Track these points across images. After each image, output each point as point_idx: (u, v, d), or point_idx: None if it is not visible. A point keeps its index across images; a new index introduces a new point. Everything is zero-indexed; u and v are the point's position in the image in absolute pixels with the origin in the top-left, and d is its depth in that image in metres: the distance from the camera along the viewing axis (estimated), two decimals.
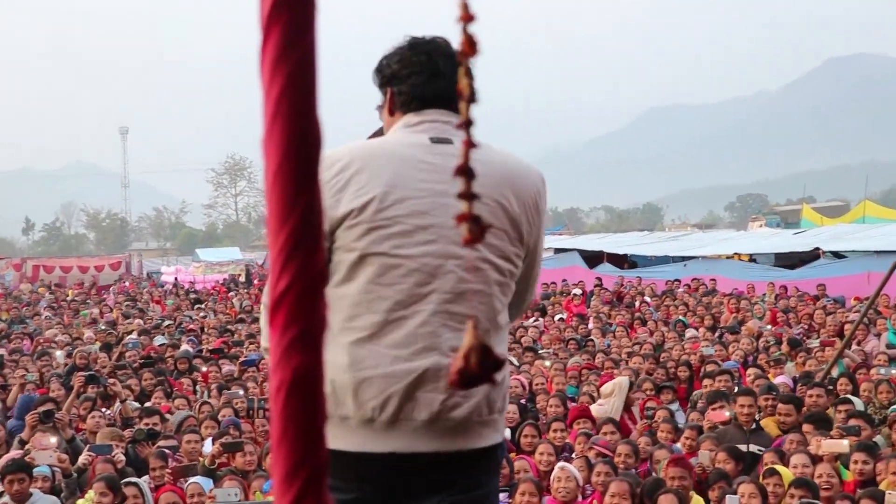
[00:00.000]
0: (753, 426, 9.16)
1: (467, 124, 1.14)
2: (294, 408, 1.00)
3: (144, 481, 7.71)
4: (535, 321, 19.69)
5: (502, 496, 7.14)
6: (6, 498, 7.55)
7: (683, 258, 30.35)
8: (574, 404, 10.65)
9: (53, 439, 8.63)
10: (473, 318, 1.18)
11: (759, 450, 8.73)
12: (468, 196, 1.14)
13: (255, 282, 38.05)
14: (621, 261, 32.73)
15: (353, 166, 2.69)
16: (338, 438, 2.63)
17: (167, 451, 8.39)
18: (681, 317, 18.83)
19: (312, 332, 1.00)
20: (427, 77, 2.86)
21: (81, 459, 8.41)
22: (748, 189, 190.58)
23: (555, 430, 9.38)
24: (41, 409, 9.46)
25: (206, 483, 7.48)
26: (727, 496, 6.93)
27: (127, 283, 41.00)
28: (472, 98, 1.14)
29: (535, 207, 2.87)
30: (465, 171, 1.14)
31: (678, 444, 8.92)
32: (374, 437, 2.63)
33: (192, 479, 7.52)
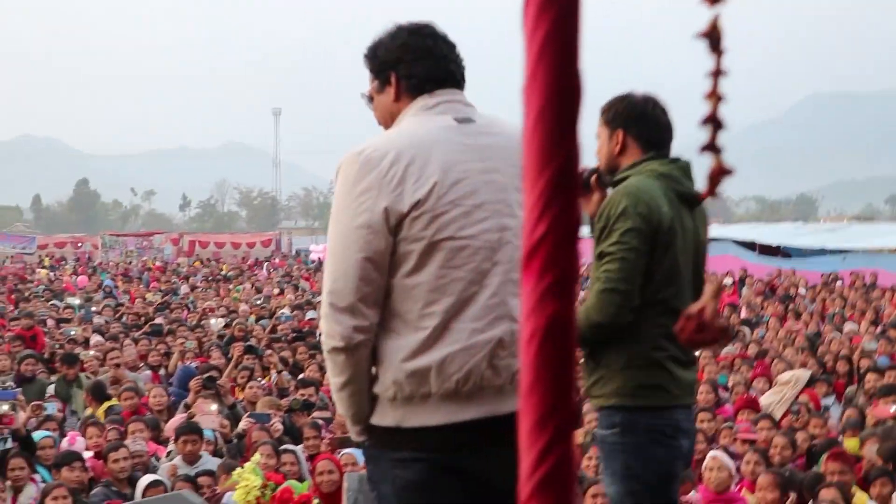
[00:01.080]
0: None
1: (717, 73, 1.12)
2: (547, 356, 1.00)
3: (300, 450, 7.92)
4: None
5: None
6: (178, 458, 7.91)
7: (842, 251, 29.27)
8: (725, 393, 10.50)
9: (215, 406, 8.95)
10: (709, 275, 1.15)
11: None
12: (713, 148, 1.11)
13: None
14: (774, 251, 31.83)
15: (403, 158, 2.76)
16: (421, 415, 2.79)
17: (321, 421, 8.58)
18: (839, 309, 18.21)
19: (567, 280, 0.99)
20: (435, 59, 2.97)
21: (242, 425, 8.70)
22: None
23: (701, 421, 9.23)
24: (204, 376, 9.81)
25: (359, 454, 7.63)
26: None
27: (277, 260, 42.12)
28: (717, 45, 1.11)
29: None
30: (714, 121, 1.12)
31: (841, 438, 8.65)
32: (456, 408, 2.77)
33: (346, 450, 7.68)
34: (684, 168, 3.80)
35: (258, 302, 21.98)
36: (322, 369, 12.08)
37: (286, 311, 18.11)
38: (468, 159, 2.83)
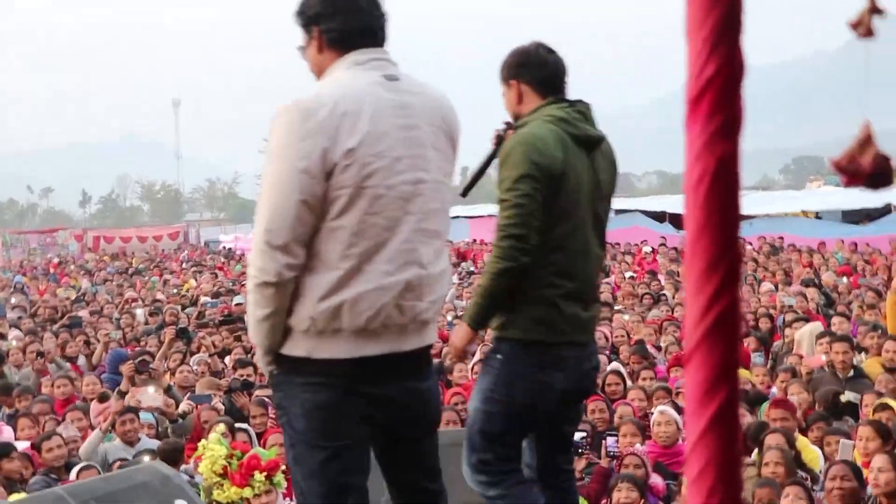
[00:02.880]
0: (851, 373, 9.03)
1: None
2: (716, 198, 1.00)
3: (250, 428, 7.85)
4: (605, 279, 19.70)
5: (611, 440, 7.18)
6: (116, 440, 7.77)
7: (748, 216, 29.92)
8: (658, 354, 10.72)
9: (152, 388, 8.81)
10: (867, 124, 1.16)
11: (856, 397, 8.59)
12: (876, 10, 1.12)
13: None
14: (682, 221, 32.42)
15: (339, 108, 2.95)
16: (330, 348, 3.02)
17: (266, 399, 8.50)
18: (751, 272, 18.67)
19: (735, 122, 1.00)
20: (353, 13, 3.13)
21: (182, 407, 8.59)
22: (803, 151, 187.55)
23: (643, 378, 9.41)
24: (137, 359, 9.63)
25: None
26: (841, 441, 6.81)
27: (186, 252, 41.52)
28: None
29: (458, 128, 3.29)
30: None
31: (773, 388, 8.88)
32: (362, 343, 3.02)
33: None
34: (582, 111, 3.89)
35: (174, 292, 21.71)
36: (247, 351, 12.00)
37: (208, 298, 17.88)
38: (394, 114, 3.03)
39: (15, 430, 8.94)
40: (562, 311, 3.74)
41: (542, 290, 3.71)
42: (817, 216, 29.97)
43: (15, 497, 5.16)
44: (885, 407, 7.24)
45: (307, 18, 3.18)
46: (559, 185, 3.65)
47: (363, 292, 2.96)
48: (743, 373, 8.79)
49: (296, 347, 3.05)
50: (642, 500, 6.33)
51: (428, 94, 3.20)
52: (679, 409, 7.72)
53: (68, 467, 7.43)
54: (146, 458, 6.53)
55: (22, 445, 8.42)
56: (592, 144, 3.85)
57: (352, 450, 3.13)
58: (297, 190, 2.91)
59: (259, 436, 7.71)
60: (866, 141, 1.12)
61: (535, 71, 3.90)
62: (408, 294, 3.03)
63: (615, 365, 10.07)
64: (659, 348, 11.43)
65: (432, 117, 3.15)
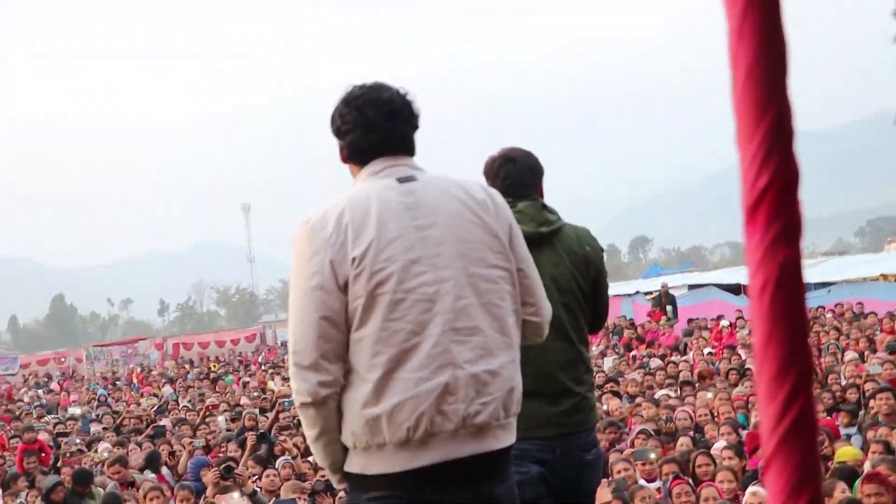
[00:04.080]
0: None
1: None
2: (781, 304, 1.01)
3: None
4: (682, 357, 19.45)
5: None
6: None
7: (825, 284, 29.42)
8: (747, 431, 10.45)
9: (236, 494, 8.84)
10: None
11: None
12: None
13: None
14: None
15: (344, 219, 2.94)
16: (379, 463, 2.94)
17: None
18: (833, 340, 18.25)
19: (793, 228, 1.01)
20: (361, 132, 3.12)
21: None
22: (878, 212, 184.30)
23: (730, 458, 9.19)
24: (222, 466, 9.69)
25: None
26: None
27: (265, 353, 41.88)
28: None
29: (501, 212, 3.18)
30: None
31: (867, 463, 8.60)
32: (411, 455, 2.90)
33: None
34: (521, 210, 3.99)
35: (255, 394, 21.83)
36: None
37: (285, 399, 17.94)
38: (406, 216, 2.97)
39: None
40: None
41: None
42: None
43: None
44: None
45: (334, 131, 3.22)
46: None
47: (398, 403, 2.87)
48: (848, 451, 8.54)
49: (352, 464, 3.01)
50: None
51: (450, 189, 3.11)
52: None
53: None
54: None
55: None
56: (528, 242, 3.73)
57: None
58: (314, 308, 2.90)
59: None
60: None
61: (492, 181, 4.16)
62: (449, 398, 2.89)
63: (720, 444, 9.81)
64: (744, 426, 11.15)
65: (457, 210, 3.06)
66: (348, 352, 2.93)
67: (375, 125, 3.11)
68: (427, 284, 2.93)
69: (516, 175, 4.20)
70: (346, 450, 3.01)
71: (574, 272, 4.09)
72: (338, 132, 3.19)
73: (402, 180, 3.06)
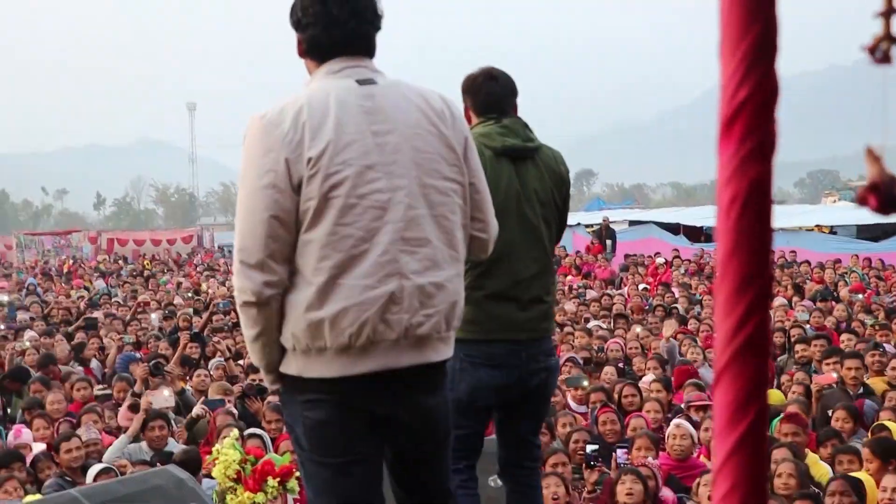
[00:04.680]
0: (860, 390, 9.05)
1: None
2: (747, 221, 1.01)
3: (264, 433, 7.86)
4: (618, 291, 19.71)
5: (621, 452, 7.18)
6: (143, 444, 7.82)
7: None
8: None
9: (166, 392, 8.84)
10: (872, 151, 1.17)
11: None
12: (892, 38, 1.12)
13: None
14: (697, 234, 32.33)
15: (301, 118, 2.88)
16: (318, 367, 2.93)
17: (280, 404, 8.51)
18: None
19: (768, 144, 1.01)
20: (323, 27, 3.03)
21: (196, 410, 8.60)
22: (818, 165, 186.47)
23: (658, 391, 9.38)
24: (152, 362, 9.67)
25: None
26: None
27: (201, 255, 41.60)
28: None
29: (458, 123, 3.17)
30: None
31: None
32: (351, 361, 2.90)
33: None
34: (507, 125, 4.17)
35: (189, 295, 21.76)
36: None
37: (220, 301, 17.90)
38: (364, 121, 2.92)
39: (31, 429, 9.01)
40: (485, 310, 3.98)
41: (470, 292, 3.75)
42: (832, 231, 29.82)
43: (30, 498, 5.17)
44: (883, 428, 7.25)
45: (292, 24, 3.12)
46: None
47: (343, 309, 2.85)
48: (772, 394, 8.76)
49: (289, 366, 2.99)
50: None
51: (409, 96, 3.07)
52: (693, 423, 7.72)
53: (85, 469, 7.47)
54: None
55: (38, 447, 8.48)
56: (516, 155, 4.11)
57: (359, 465, 3.05)
58: (264, 207, 2.86)
59: (273, 441, 7.72)
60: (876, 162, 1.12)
61: (473, 97, 4.28)
62: (393, 307, 2.88)
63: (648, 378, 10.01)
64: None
65: (416, 119, 3.02)
66: (294, 254, 2.90)
67: (339, 22, 3.03)
68: (380, 192, 2.90)
69: (500, 92, 4.28)
70: (283, 351, 2.99)
71: (552, 188, 4.24)
72: (297, 25, 3.10)
73: (361, 82, 2.99)
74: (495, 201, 3.78)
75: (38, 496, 5.81)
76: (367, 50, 3.11)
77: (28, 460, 7.77)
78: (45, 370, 11.16)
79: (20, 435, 8.95)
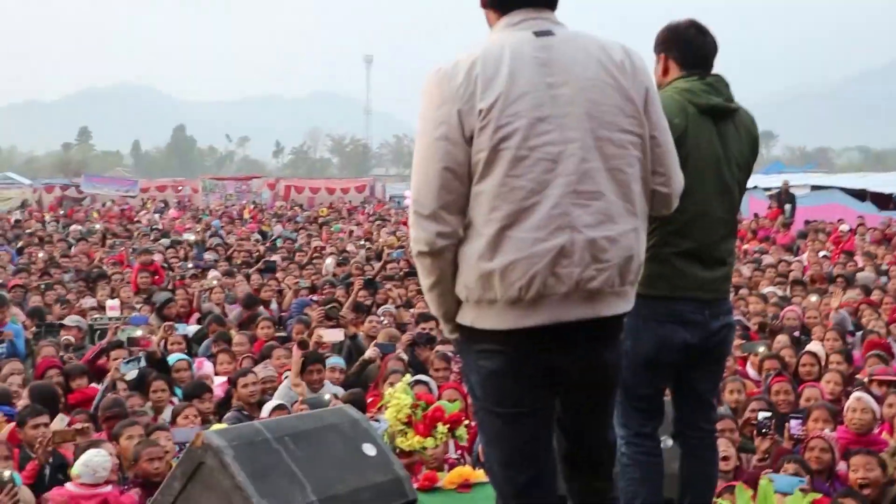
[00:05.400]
0: None
1: None
2: None
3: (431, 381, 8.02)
4: (796, 257, 19.08)
5: (795, 423, 7.01)
6: (302, 387, 8.12)
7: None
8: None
9: (339, 332, 9.15)
10: None
11: None
12: None
13: None
14: (885, 200, 30.89)
15: (475, 70, 2.88)
16: (490, 319, 2.97)
17: (448, 353, 8.66)
18: None
19: None
20: None
21: (369, 353, 8.86)
22: None
23: (839, 363, 9.08)
24: (327, 306, 9.98)
25: None
26: None
27: (373, 205, 42.44)
28: None
29: (640, 74, 3.09)
30: None
31: None
32: (521, 314, 2.92)
33: None
34: (711, 83, 4.04)
35: (361, 243, 22.24)
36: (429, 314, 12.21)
37: (393, 251, 18.25)
38: (539, 72, 2.91)
39: (215, 365, 9.50)
40: (676, 268, 3.92)
41: (659, 249, 3.82)
42: None
43: (218, 427, 5.44)
44: None
45: None
46: (678, 148, 3.57)
47: (512, 261, 2.87)
48: None
49: (464, 316, 3.04)
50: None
51: (588, 48, 3.02)
52: (875, 398, 7.46)
53: (261, 405, 7.82)
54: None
55: (218, 380, 8.94)
56: (719, 114, 3.99)
57: (530, 417, 3.08)
58: (438, 158, 2.89)
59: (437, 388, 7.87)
60: None
61: (681, 49, 4.12)
62: (563, 261, 2.88)
63: (814, 346, 9.73)
64: (853, 332, 11.00)
65: (593, 71, 2.98)
66: (468, 206, 2.93)
67: None
68: (552, 144, 2.89)
69: (710, 47, 4.17)
70: (459, 301, 3.04)
71: (747, 152, 4.16)
72: None
73: (538, 34, 2.98)
74: (696, 160, 3.82)
75: (223, 425, 6.11)
76: (549, 1, 3.09)
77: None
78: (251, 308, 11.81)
79: (202, 367, 9.45)
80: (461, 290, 2.98)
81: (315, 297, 12.96)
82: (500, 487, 3.22)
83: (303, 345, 8.50)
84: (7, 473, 5.66)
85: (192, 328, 11.62)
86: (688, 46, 4.11)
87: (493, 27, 3.10)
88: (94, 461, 5.87)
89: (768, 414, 7.18)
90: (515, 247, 2.86)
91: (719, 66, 4.15)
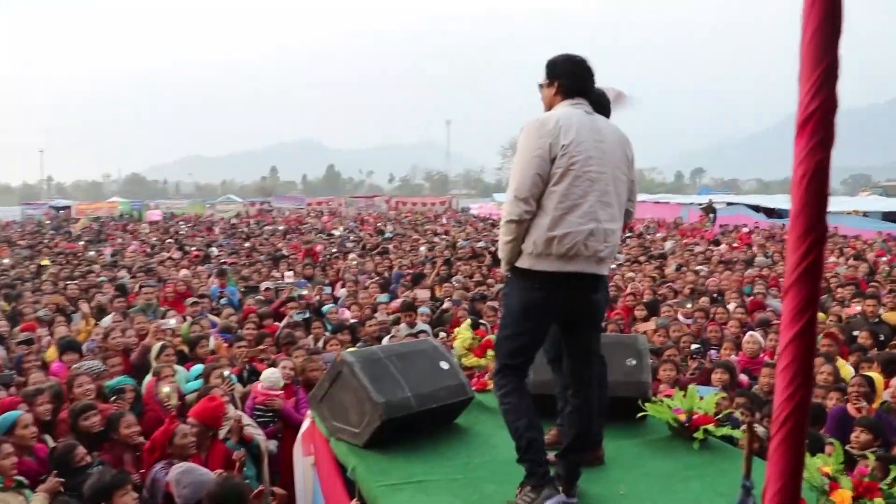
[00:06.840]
0: (876, 320, 8.34)
1: None
2: (813, 189, 0.95)
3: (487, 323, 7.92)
4: (717, 248, 18.62)
5: (713, 352, 6.87)
6: (403, 325, 8.10)
7: None
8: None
9: (427, 293, 9.11)
10: None
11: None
12: None
13: None
14: (772, 213, 29.90)
15: (560, 123, 3.08)
16: (545, 264, 3.07)
17: (495, 306, 8.54)
18: None
19: (828, 139, 0.95)
20: (579, 79, 3.23)
21: (446, 304, 8.80)
22: (856, 171, 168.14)
23: (740, 314, 8.85)
24: (415, 274, 9.95)
25: None
26: None
27: (449, 213, 42.40)
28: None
29: (629, 147, 3.31)
30: None
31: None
32: (563, 263, 3.07)
33: None
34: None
35: (442, 236, 22.22)
36: (485, 277, 12.11)
37: (461, 241, 18.23)
38: (590, 133, 3.12)
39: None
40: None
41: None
42: (864, 214, 27.13)
43: (351, 349, 5.47)
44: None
45: (554, 73, 3.25)
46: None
47: (566, 233, 3.04)
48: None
49: (523, 262, 3.12)
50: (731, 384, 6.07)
51: (613, 128, 3.27)
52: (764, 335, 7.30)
53: (379, 339, 7.83)
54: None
55: (347, 313, 8.88)
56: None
57: (538, 331, 3.19)
58: (534, 167, 3.04)
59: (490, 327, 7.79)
60: None
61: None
62: (591, 238, 3.07)
63: (731, 305, 9.44)
64: (749, 294, 10.72)
65: (615, 140, 3.21)
66: (543, 197, 3.08)
67: (582, 78, 3.26)
68: (594, 172, 3.09)
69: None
70: (519, 253, 3.13)
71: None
72: (560, 74, 3.25)
73: (587, 113, 3.21)
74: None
75: (354, 349, 6.14)
76: (588, 95, 3.29)
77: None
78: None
79: (342, 313, 9.45)
80: (529, 245, 3.08)
81: (409, 271, 12.96)
82: (501, 358, 3.26)
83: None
84: (226, 373, 5.77)
85: (341, 292, 11.66)
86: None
87: (555, 105, 3.23)
88: (272, 378, 5.94)
89: (698, 345, 7.12)
90: (568, 225, 3.05)
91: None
